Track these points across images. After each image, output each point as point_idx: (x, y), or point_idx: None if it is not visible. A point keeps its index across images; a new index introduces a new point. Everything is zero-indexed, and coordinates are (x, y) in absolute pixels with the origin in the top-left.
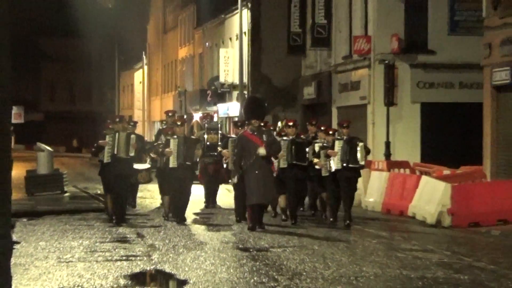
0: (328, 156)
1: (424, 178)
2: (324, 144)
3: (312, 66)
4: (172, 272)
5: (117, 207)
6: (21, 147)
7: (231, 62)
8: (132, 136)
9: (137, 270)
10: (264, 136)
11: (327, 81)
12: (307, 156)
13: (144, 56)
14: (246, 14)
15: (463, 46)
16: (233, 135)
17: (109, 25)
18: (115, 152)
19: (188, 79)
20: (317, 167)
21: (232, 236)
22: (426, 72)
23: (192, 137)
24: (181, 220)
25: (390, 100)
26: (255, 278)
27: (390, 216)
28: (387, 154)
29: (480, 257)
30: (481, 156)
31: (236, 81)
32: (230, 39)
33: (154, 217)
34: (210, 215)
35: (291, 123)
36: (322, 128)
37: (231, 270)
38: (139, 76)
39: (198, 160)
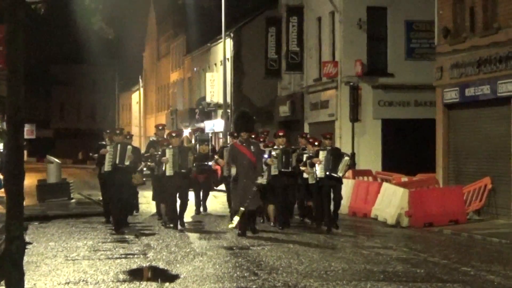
0: (312, 165)
1: (385, 184)
2: (310, 154)
3: (287, 88)
4: (165, 268)
5: (117, 214)
6: (33, 160)
7: (216, 85)
8: (128, 147)
9: (134, 266)
10: (252, 147)
11: (300, 100)
12: (290, 161)
13: (140, 80)
14: (229, 42)
15: (418, 70)
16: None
17: (111, 53)
18: (117, 162)
19: (179, 100)
20: (305, 175)
21: (217, 237)
22: (386, 92)
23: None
24: (181, 224)
25: (355, 117)
26: (237, 273)
27: (355, 218)
28: (353, 164)
29: (434, 253)
30: (434, 165)
31: (221, 101)
32: (215, 64)
33: (150, 220)
34: (199, 219)
35: (281, 133)
36: (310, 140)
37: (217, 266)
38: (136, 97)
39: (191, 166)
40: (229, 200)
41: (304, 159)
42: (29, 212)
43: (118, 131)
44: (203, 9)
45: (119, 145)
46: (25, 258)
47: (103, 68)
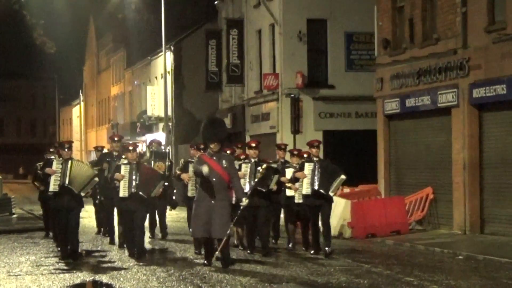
0: (297, 180)
1: None
2: (297, 168)
3: (228, 100)
4: (109, 282)
5: (63, 242)
6: None
7: (157, 98)
8: (96, 179)
9: (78, 281)
10: (224, 161)
11: (241, 113)
12: (269, 182)
13: (81, 94)
14: (169, 56)
15: (358, 81)
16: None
17: (51, 68)
18: (67, 183)
19: (119, 113)
20: (289, 193)
21: (161, 250)
22: (327, 104)
23: (148, 165)
24: (138, 255)
25: (296, 129)
26: (182, 286)
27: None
28: None
29: (377, 264)
30: (376, 176)
31: (162, 114)
32: (156, 77)
33: (93, 235)
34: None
35: (253, 144)
36: (295, 152)
37: (161, 280)
38: (77, 111)
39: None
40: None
41: (290, 174)
42: None
43: (67, 145)
44: (143, 23)
45: (71, 163)
46: None
47: (43, 83)
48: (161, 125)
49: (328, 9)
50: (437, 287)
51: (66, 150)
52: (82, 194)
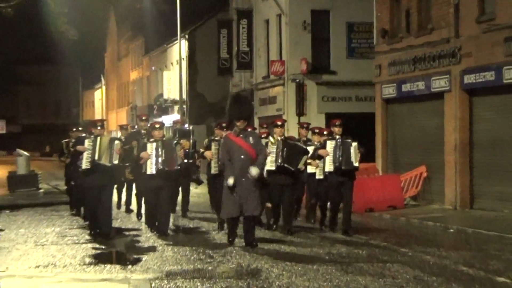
0: (320, 157)
1: None
2: (318, 146)
3: (238, 85)
4: (128, 251)
5: (96, 220)
6: (3, 153)
7: (172, 82)
8: (116, 142)
9: (99, 251)
10: (250, 138)
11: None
12: (298, 162)
13: (102, 78)
14: (184, 43)
15: (358, 68)
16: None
17: (74, 54)
18: (96, 158)
19: (138, 96)
20: (311, 169)
21: (175, 222)
22: (329, 88)
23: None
24: (162, 232)
25: (300, 111)
26: (194, 255)
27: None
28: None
29: (375, 236)
30: (374, 156)
31: (177, 98)
32: (172, 63)
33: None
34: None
35: (279, 122)
36: (316, 130)
37: (175, 249)
38: (99, 94)
39: (180, 162)
40: (213, 203)
41: (312, 150)
42: (0, 201)
43: (99, 124)
44: (160, 12)
45: (100, 139)
46: None
47: (67, 68)
48: (176, 107)
49: (331, 1)
50: (430, 258)
51: (99, 128)
52: (115, 162)
